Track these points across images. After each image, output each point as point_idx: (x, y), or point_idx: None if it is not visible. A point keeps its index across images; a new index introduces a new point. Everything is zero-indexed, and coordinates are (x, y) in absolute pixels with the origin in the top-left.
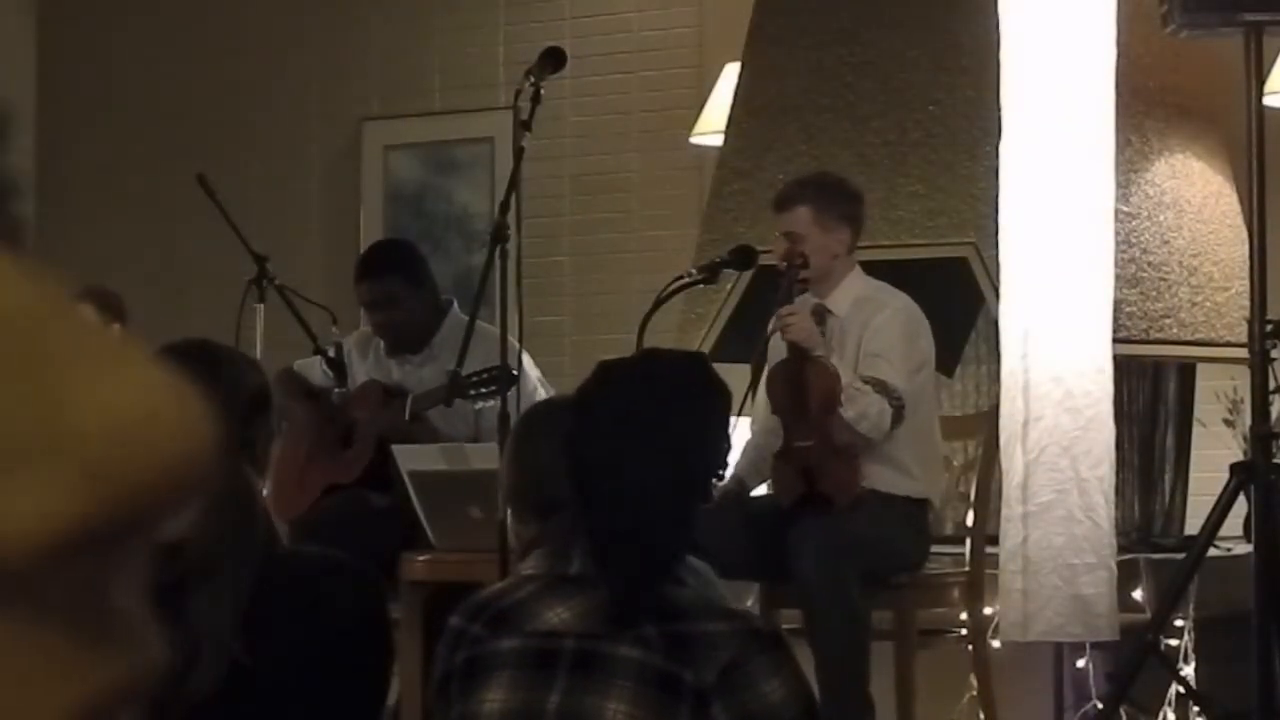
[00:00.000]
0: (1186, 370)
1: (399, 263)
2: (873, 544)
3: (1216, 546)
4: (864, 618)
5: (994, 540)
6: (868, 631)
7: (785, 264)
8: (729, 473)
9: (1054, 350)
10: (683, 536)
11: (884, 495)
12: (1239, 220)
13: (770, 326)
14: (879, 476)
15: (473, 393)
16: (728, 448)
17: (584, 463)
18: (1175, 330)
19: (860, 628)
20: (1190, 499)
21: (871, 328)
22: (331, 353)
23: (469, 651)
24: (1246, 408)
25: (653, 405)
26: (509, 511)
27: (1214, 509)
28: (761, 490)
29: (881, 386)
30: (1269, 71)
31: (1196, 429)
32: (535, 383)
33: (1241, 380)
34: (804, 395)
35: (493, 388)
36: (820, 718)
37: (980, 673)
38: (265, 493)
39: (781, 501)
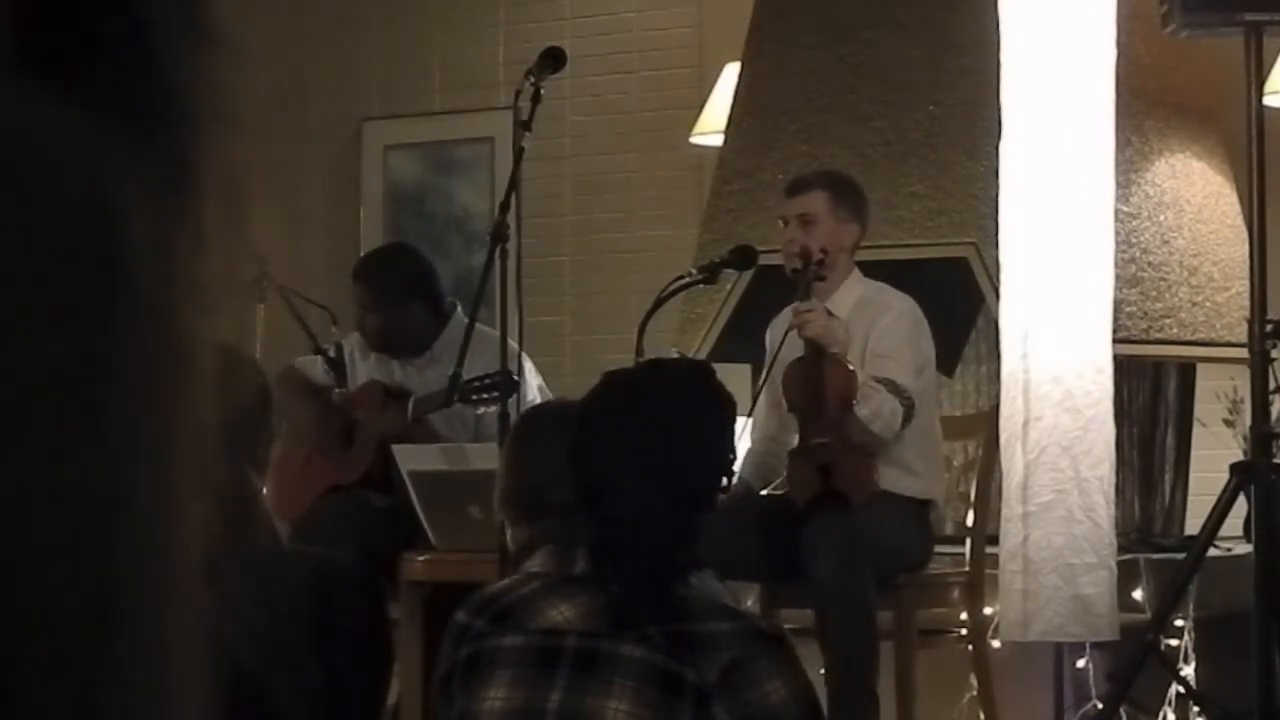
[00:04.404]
0: (1186, 370)
1: (380, 274)
2: (883, 544)
3: (1216, 546)
4: (876, 617)
5: (994, 540)
6: (878, 631)
7: (803, 262)
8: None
9: (1054, 350)
10: (685, 546)
11: (891, 495)
12: (1239, 220)
13: (773, 325)
14: (885, 476)
15: (474, 399)
16: (733, 458)
17: (587, 472)
18: (1175, 330)
19: (873, 628)
20: (1190, 499)
21: (878, 329)
22: (331, 353)
23: (472, 647)
24: (1246, 408)
25: (657, 416)
26: (503, 514)
27: (1214, 509)
28: (764, 493)
29: (893, 386)
30: (1269, 71)
31: (1196, 429)
32: (535, 389)
33: (1241, 380)
34: (821, 392)
35: (494, 394)
36: (823, 718)
37: (980, 673)
38: (265, 493)
39: (796, 499)
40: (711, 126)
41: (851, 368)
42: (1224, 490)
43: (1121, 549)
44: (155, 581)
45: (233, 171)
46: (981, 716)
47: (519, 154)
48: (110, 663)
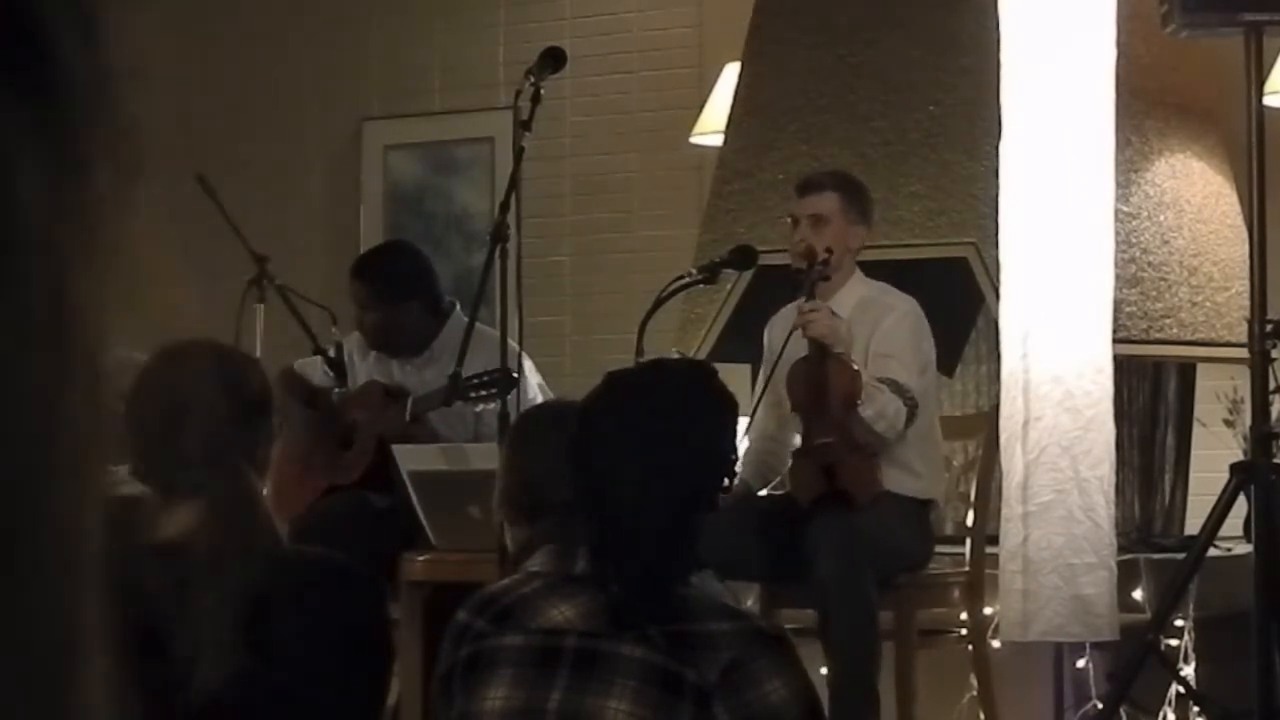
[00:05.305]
0: (1186, 370)
1: (379, 272)
2: (884, 543)
3: (1216, 546)
4: (878, 617)
5: (994, 540)
6: (880, 631)
7: (808, 262)
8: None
9: (1054, 350)
10: (685, 546)
11: (892, 495)
12: (1239, 220)
13: (772, 324)
14: (886, 476)
15: (473, 395)
16: (734, 458)
17: (588, 472)
18: (1175, 330)
19: (875, 628)
20: (1190, 499)
21: (881, 329)
22: (331, 353)
23: (473, 646)
24: (1246, 408)
25: (658, 417)
26: (501, 514)
27: (1214, 509)
28: (764, 492)
29: (896, 387)
30: (1269, 71)
31: (1196, 429)
32: (535, 388)
33: (1241, 380)
34: (825, 392)
35: (493, 390)
36: (824, 718)
37: (980, 673)
38: (265, 493)
39: (800, 500)
40: (711, 126)
41: (855, 368)
42: (1224, 490)
43: (1121, 549)
44: (46, 561)
45: (129, 167)
46: (981, 716)
47: (519, 154)
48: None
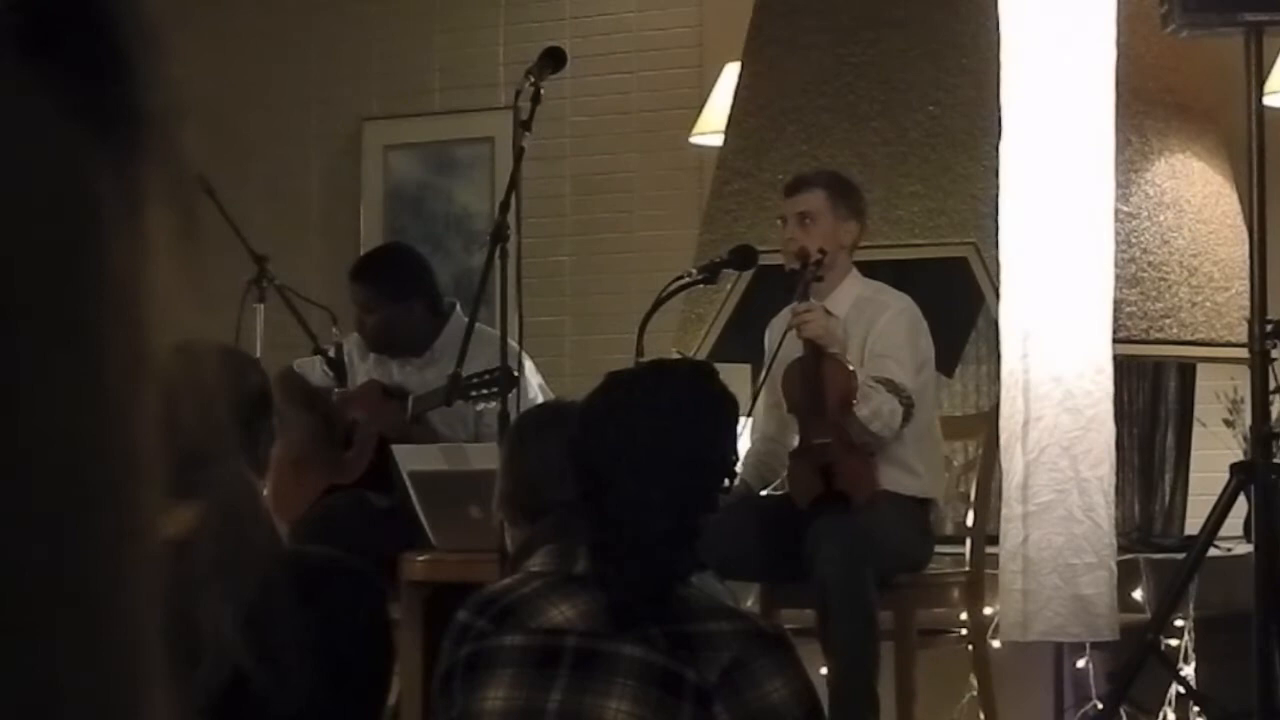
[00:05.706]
0: (1186, 370)
1: (380, 273)
2: (884, 544)
3: (1216, 546)
4: (878, 617)
5: (994, 540)
6: (879, 631)
7: (801, 262)
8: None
9: (1054, 350)
10: (686, 548)
11: (892, 495)
12: (1239, 220)
13: (772, 326)
14: (885, 476)
15: (473, 394)
16: (734, 458)
17: (589, 473)
18: (1175, 330)
19: (875, 628)
20: (1190, 499)
21: (877, 328)
22: (331, 353)
23: (473, 646)
24: (1246, 408)
25: (658, 417)
26: (501, 514)
27: (1214, 509)
28: (764, 493)
29: (892, 386)
30: (1269, 71)
31: (1196, 429)
32: (536, 388)
33: (1241, 380)
34: (821, 393)
35: (493, 389)
36: (824, 718)
37: (980, 673)
38: (265, 493)
39: (798, 500)
40: (711, 126)
41: (851, 368)
42: (1224, 490)
43: (1121, 549)
44: (113, 571)
45: (188, 174)
46: (981, 716)
47: (519, 154)
48: (69, 651)
